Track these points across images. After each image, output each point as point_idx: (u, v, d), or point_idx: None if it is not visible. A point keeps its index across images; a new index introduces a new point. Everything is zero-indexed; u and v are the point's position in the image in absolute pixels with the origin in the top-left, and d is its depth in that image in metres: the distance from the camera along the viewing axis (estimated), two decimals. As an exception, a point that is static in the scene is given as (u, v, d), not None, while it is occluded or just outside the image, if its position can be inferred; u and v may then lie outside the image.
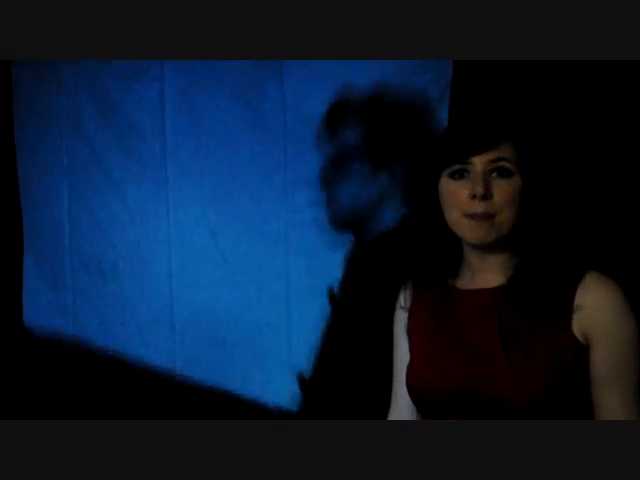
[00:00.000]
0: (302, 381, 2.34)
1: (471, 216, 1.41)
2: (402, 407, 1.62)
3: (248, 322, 2.39)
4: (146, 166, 2.52)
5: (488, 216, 1.40)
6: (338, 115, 2.25)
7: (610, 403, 1.38)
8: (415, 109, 2.14)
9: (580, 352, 1.39)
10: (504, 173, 1.42)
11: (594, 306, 1.38)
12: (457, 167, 1.44)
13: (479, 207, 1.40)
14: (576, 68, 1.85)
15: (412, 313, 1.59)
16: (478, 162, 1.42)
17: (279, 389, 2.37)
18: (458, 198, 1.43)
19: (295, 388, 2.35)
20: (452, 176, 1.45)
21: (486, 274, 1.48)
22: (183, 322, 2.48)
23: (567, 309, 1.39)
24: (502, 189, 1.41)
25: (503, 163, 1.42)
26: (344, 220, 2.28)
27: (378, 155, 2.18)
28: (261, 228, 2.37)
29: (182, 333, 2.48)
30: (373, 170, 2.20)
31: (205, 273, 2.44)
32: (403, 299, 1.61)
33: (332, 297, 2.30)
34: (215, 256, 2.43)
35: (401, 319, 1.61)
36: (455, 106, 2.06)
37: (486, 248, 1.46)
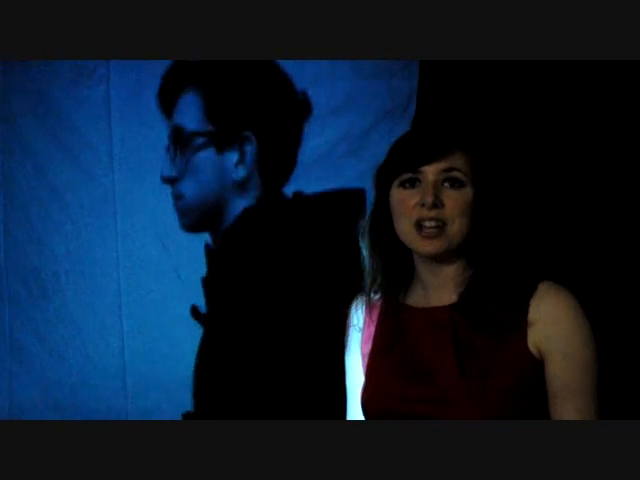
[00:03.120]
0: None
1: (419, 224, 1.38)
2: None
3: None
4: (91, 173, 2.37)
5: (438, 225, 1.38)
6: (171, 93, 2.12)
7: (566, 418, 1.35)
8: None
9: (537, 367, 1.36)
10: (456, 183, 1.40)
11: (547, 319, 1.36)
12: (408, 176, 1.41)
13: (428, 214, 1.38)
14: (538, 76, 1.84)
15: (365, 332, 1.55)
16: (429, 171, 1.39)
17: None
18: (407, 206, 1.40)
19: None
20: (403, 185, 1.42)
21: (439, 291, 1.45)
22: (134, 340, 2.35)
23: (521, 323, 1.37)
24: (453, 199, 1.39)
25: (455, 173, 1.40)
26: (196, 218, 2.19)
27: (224, 136, 2.06)
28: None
29: (133, 351, 2.35)
30: (220, 154, 2.09)
31: (157, 287, 2.32)
32: (355, 318, 1.57)
33: (197, 314, 2.21)
34: (167, 269, 2.31)
35: (354, 338, 1.57)
36: (419, 114, 2.03)
37: (438, 261, 1.43)
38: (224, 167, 2.08)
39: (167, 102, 2.17)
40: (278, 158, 2.05)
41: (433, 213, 1.38)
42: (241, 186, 2.09)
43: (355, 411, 1.54)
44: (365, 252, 1.51)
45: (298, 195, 2.06)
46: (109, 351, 2.37)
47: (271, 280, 2.09)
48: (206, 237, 2.23)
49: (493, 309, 1.38)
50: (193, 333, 2.30)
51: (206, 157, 2.10)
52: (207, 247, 2.18)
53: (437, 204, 1.38)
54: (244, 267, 2.10)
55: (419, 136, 1.45)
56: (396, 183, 1.43)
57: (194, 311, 2.21)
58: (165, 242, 2.32)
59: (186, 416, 2.28)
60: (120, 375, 2.36)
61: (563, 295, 1.37)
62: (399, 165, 1.42)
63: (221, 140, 2.06)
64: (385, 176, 1.45)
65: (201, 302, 2.29)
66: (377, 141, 2.03)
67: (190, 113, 2.14)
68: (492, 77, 1.90)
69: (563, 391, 1.35)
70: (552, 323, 1.35)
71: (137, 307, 2.35)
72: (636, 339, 1.83)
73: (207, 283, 2.18)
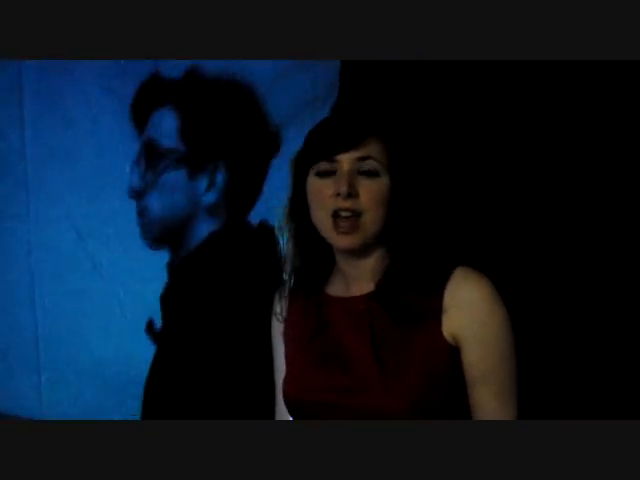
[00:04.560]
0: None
1: (335, 214, 1.37)
2: (285, 419, 1.56)
3: (120, 334, 2.22)
4: (2, 160, 2.26)
5: (353, 214, 1.36)
6: (146, 106, 2.12)
7: (485, 405, 1.35)
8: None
9: (453, 354, 1.36)
10: (371, 173, 1.38)
11: (461, 305, 1.35)
12: (324, 165, 1.39)
13: (343, 204, 1.36)
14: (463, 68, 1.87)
15: (287, 322, 1.54)
16: (344, 160, 1.38)
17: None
18: (323, 196, 1.39)
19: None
20: (319, 174, 1.40)
21: (358, 280, 1.44)
22: (48, 335, 2.26)
23: (437, 310, 1.36)
24: (368, 189, 1.38)
25: (370, 162, 1.38)
26: (159, 234, 2.18)
27: (198, 161, 2.08)
28: (135, 230, 2.20)
29: (47, 348, 2.26)
30: (191, 178, 2.10)
31: (72, 279, 2.24)
32: (279, 307, 1.55)
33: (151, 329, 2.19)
34: (83, 259, 2.23)
35: (277, 328, 1.56)
36: (340, 102, 2.02)
37: (355, 253, 1.42)
38: (194, 189, 2.08)
39: (140, 115, 2.13)
40: (245, 188, 2.08)
41: (348, 204, 1.36)
42: (209, 210, 2.09)
43: (282, 400, 1.52)
44: (283, 240, 1.49)
45: (263, 224, 2.08)
46: (22, 345, 2.28)
47: (229, 303, 2.11)
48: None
49: (410, 297, 1.38)
50: (109, 325, 2.23)
51: (177, 177, 2.09)
52: (169, 264, 2.16)
53: (352, 193, 1.36)
54: (205, 288, 2.12)
55: (334, 124, 1.43)
56: (312, 172, 1.41)
57: (149, 326, 2.18)
58: (80, 231, 2.24)
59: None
60: (34, 370, 2.27)
61: (478, 280, 1.36)
62: (314, 153, 1.40)
63: (194, 163, 2.07)
64: (301, 164, 1.43)
65: (120, 295, 2.23)
66: (298, 131, 1.99)
67: (165, 129, 2.11)
68: (415, 65, 1.89)
69: (480, 376, 1.35)
70: (466, 309, 1.34)
71: (51, 299, 2.26)
72: (555, 323, 1.86)
73: (165, 299, 2.16)
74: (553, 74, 1.83)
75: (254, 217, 2.12)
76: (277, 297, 1.56)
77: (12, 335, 2.28)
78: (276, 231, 1.51)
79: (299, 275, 1.51)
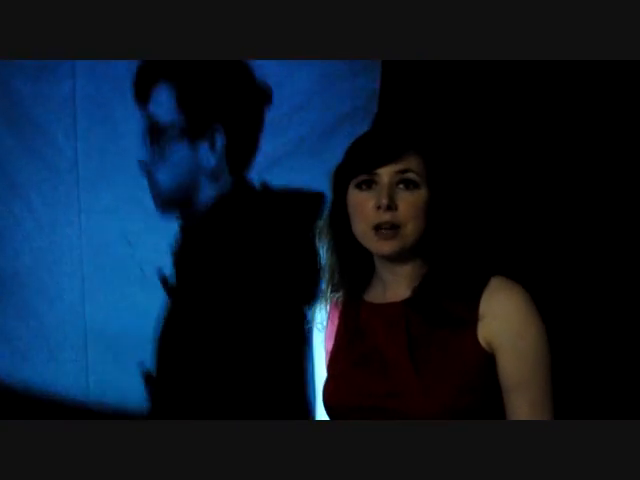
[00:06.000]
0: (148, 378, 2.30)
1: (377, 227, 1.39)
2: None
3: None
4: (55, 169, 2.36)
5: (393, 227, 1.39)
6: (146, 85, 2.23)
7: (519, 411, 1.36)
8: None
9: (488, 361, 1.37)
10: (410, 185, 1.41)
11: (496, 313, 1.36)
12: (364, 178, 1.42)
13: (384, 217, 1.39)
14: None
15: (327, 330, 1.56)
16: (384, 173, 1.40)
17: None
18: (363, 209, 1.41)
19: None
20: (359, 187, 1.43)
21: (396, 287, 1.46)
22: (96, 338, 2.33)
23: (472, 318, 1.37)
24: (407, 201, 1.40)
25: (409, 175, 1.41)
26: (168, 201, 2.25)
27: (195, 129, 2.18)
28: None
29: (95, 349, 2.33)
30: (190, 146, 2.20)
31: (121, 285, 2.31)
32: (319, 317, 1.58)
33: (165, 282, 2.26)
34: (132, 267, 2.31)
35: (318, 338, 1.59)
36: (380, 114, 2.05)
37: (394, 260, 1.44)
38: (196, 156, 2.21)
39: (141, 94, 2.25)
40: (244, 145, 2.20)
41: (388, 216, 1.39)
42: (212, 173, 2.20)
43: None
44: (323, 251, 1.53)
45: (264, 186, 2.20)
46: (72, 351, 2.35)
47: (235, 262, 2.21)
48: (171, 239, 2.29)
49: (446, 304, 1.40)
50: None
51: (180, 147, 2.21)
52: (180, 226, 2.27)
53: (391, 206, 1.39)
54: (214, 247, 2.23)
55: (374, 138, 1.46)
56: (352, 184, 1.44)
57: (163, 280, 2.26)
58: (130, 239, 2.31)
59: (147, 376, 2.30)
60: (83, 375, 2.34)
61: (513, 290, 1.38)
62: (354, 167, 1.43)
63: (193, 132, 2.19)
64: (341, 177, 1.46)
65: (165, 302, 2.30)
66: (338, 142, 2.03)
67: (163, 105, 2.23)
68: (453, 77, 1.92)
69: (515, 385, 1.36)
70: (502, 317, 1.36)
71: (101, 305, 2.34)
72: (588, 333, 1.86)
73: (177, 257, 2.27)
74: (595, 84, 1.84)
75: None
76: (317, 307, 1.59)
77: (62, 338, 2.35)
78: (315, 242, 1.54)
79: (339, 283, 1.54)
